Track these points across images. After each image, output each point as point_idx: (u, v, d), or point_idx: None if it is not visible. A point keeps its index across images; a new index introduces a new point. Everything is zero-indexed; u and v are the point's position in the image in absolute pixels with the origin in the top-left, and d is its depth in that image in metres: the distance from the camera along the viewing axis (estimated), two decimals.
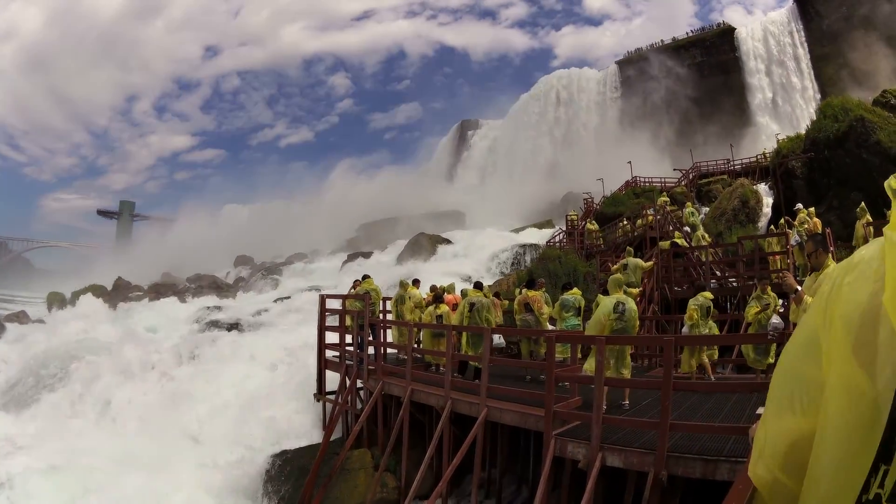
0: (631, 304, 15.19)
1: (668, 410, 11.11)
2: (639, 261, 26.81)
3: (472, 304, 19.87)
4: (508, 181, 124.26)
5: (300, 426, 23.82)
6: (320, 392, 24.00)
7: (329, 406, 23.30)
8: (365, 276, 26.28)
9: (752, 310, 17.27)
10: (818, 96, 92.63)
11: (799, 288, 8.81)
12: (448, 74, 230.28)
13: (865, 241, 22.46)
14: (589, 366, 14.53)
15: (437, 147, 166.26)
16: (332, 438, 21.03)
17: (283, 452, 21.53)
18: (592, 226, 48.90)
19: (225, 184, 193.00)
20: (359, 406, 21.80)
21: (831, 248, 15.09)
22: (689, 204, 47.78)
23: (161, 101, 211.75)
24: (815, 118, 48.02)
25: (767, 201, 46.18)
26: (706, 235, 35.21)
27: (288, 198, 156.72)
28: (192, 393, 27.20)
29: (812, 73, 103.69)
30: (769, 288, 17.51)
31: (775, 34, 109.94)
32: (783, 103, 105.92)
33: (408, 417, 18.58)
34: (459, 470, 16.87)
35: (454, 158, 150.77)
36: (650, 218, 39.69)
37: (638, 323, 15.62)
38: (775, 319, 17.38)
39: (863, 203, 23.80)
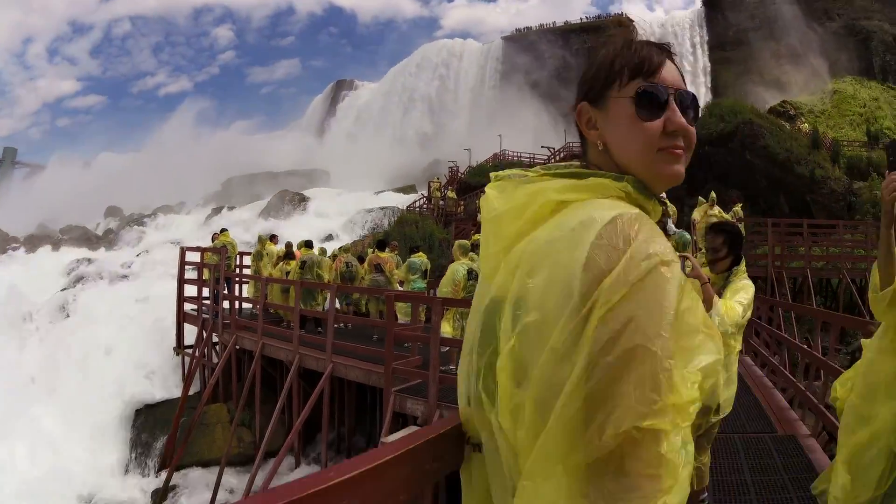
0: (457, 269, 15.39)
1: None
2: None
3: (303, 262, 19.99)
4: (377, 144, 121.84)
5: (164, 379, 23.37)
6: (179, 346, 23.77)
7: (188, 360, 22.86)
8: (223, 230, 26.11)
9: None
10: (709, 98, 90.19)
11: (708, 279, 8.98)
12: (333, 34, 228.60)
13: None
14: (444, 328, 14.75)
15: (309, 105, 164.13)
16: (192, 393, 20.79)
17: (148, 406, 21.39)
18: (452, 194, 49.15)
19: (103, 131, 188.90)
20: (215, 360, 21.47)
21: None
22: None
23: (54, 44, 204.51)
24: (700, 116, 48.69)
25: None
26: None
27: (161, 148, 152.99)
28: (59, 346, 26.56)
29: (709, 75, 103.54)
30: None
31: (675, 33, 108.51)
32: None
33: (260, 372, 18.50)
34: (312, 427, 17.00)
35: (326, 117, 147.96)
36: None
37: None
38: None
39: (713, 194, 24.67)
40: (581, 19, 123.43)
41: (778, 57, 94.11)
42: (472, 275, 14.71)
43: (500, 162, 63.63)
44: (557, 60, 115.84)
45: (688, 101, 1.72)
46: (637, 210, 1.50)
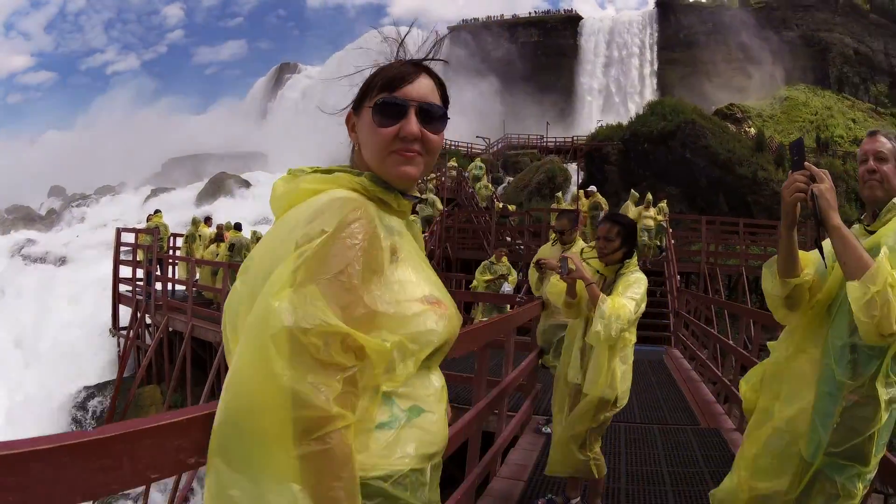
0: None
1: None
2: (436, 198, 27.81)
3: (232, 245, 20.22)
4: (316, 128, 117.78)
5: (101, 360, 23.51)
6: (115, 327, 23.65)
7: (123, 341, 22.86)
8: (156, 211, 26.34)
9: (482, 276, 17.70)
10: (656, 97, 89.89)
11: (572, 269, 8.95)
12: (281, 17, 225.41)
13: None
14: None
15: (251, 86, 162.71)
16: (127, 375, 20.67)
17: (86, 388, 21.34)
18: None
19: (51, 108, 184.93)
20: (149, 342, 21.43)
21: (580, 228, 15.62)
22: (478, 159, 46.58)
23: (11, 18, 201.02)
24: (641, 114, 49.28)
25: (576, 181, 44.83)
26: (489, 185, 36.00)
27: (106, 127, 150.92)
28: (1, 327, 26.68)
29: (655, 75, 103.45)
30: (504, 258, 17.92)
31: (624, 31, 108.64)
32: (615, 97, 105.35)
33: (190, 353, 18.54)
34: None
35: (267, 100, 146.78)
36: (438, 179, 37.31)
37: None
38: (507, 287, 17.75)
39: (649, 195, 25.11)
40: (530, 13, 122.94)
41: (729, 61, 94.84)
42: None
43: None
44: (502, 53, 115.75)
45: (433, 114, 1.99)
46: (350, 195, 1.79)
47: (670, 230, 25.82)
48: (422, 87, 2.01)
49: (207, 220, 25.61)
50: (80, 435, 1.44)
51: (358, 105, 2.06)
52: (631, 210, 24.89)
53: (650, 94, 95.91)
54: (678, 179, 39.76)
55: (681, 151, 40.63)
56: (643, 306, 5.62)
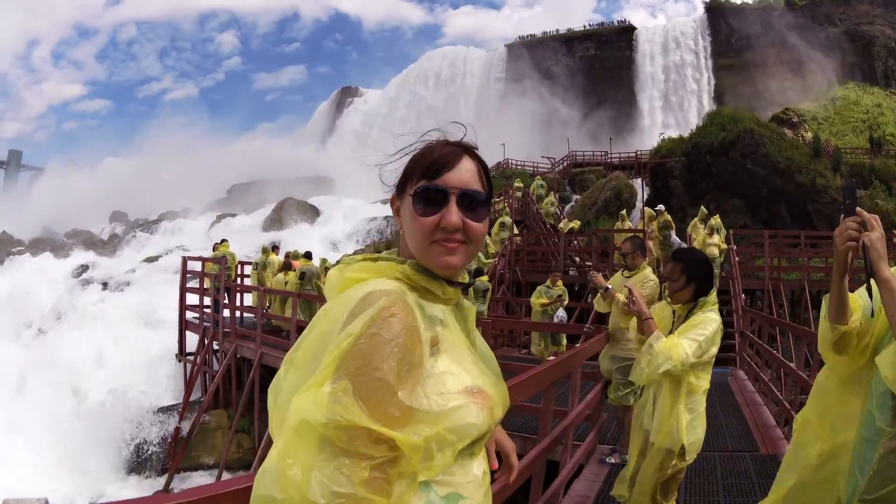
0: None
1: None
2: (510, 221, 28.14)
3: (302, 273, 20.40)
4: (382, 150, 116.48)
5: (166, 385, 23.90)
6: (181, 353, 24.18)
7: (189, 366, 23.35)
8: (222, 241, 26.57)
9: (538, 300, 17.90)
10: (713, 105, 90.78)
11: (609, 287, 8.79)
12: (338, 41, 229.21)
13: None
14: None
15: (314, 112, 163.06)
16: (193, 399, 21.20)
17: (150, 410, 21.57)
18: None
19: (109, 136, 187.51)
20: (216, 367, 21.90)
21: (649, 255, 15.46)
22: (538, 177, 47.20)
23: (60, 47, 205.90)
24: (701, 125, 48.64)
25: (641, 197, 43.67)
26: (555, 202, 36.03)
27: (167, 154, 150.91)
28: (64, 352, 26.85)
29: (711, 82, 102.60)
30: (560, 281, 18.02)
31: (677, 39, 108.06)
32: (674, 108, 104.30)
33: (258, 379, 18.84)
34: None
35: (330, 125, 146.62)
36: (507, 202, 36.14)
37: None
38: (560, 312, 17.96)
39: (712, 220, 24.69)
40: (584, 27, 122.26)
41: (780, 63, 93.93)
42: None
43: (504, 171, 62.64)
44: (561, 68, 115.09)
45: (475, 201, 1.97)
46: (390, 287, 1.79)
47: (734, 247, 25.44)
48: (463, 173, 1.99)
49: (275, 248, 26.04)
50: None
51: (401, 189, 2.06)
52: (698, 230, 24.54)
53: (707, 101, 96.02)
54: (741, 191, 39.37)
55: (741, 162, 40.00)
56: (713, 350, 5.34)
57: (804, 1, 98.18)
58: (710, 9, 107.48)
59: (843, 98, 72.31)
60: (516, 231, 28.98)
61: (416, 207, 1.93)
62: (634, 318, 5.69)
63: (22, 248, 67.87)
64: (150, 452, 20.19)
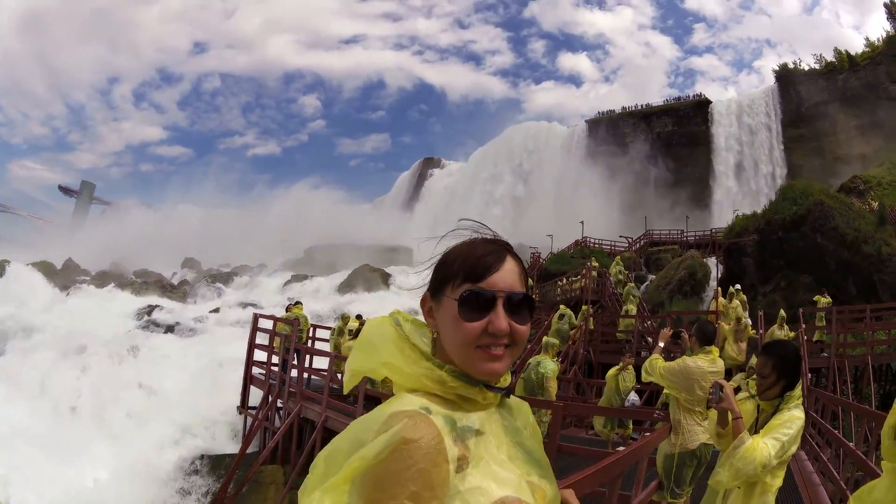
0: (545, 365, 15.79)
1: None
2: (570, 312, 27.95)
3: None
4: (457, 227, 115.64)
5: (221, 434, 24.48)
6: (243, 406, 24.67)
7: (249, 420, 23.80)
8: (296, 302, 27.11)
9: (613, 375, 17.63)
10: (785, 176, 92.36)
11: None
12: (423, 111, 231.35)
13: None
14: None
15: (396, 181, 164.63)
16: (249, 451, 21.57)
17: (203, 456, 22.19)
18: (530, 281, 46.87)
19: (186, 183, 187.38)
20: (277, 424, 22.25)
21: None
22: (617, 259, 47.52)
23: (141, 88, 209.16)
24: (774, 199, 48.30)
25: (715, 275, 45.18)
26: (631, 283, 35.82)
27: (244, 208, 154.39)
28: (124, 387, 27.61)
29: (782, 153, 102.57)
30: (632, 366, 17.69)
31: (750, 112, 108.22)
32: (748, 181, 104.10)
33: (320, 440, 18.99)
34: None
35: (412, 194, 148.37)
36: (583, 282, 38.32)
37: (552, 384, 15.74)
38: (633, 396, 18.34)
39: (782, 311, 24.35)
40: (665, 101, 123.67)
41: (849, 129, 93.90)
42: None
43: (582, 249, 62.85)
44: (640, 143, 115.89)
45: (516, 301, 1.95)
46: (415, 410, 1.79)
47: (803, 325, 25.41)
48: (507, 276, 1.97)
49: (358, 317, 26.74)
50: None
51: (437, 290, 2.03)
52: (776, 335, 23.42)
53: (780, 173, 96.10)
54: (810, 266, 38.90)
55: (812, 236, 39.46)
56: (793, 449, 5.19)
57: (865, 60, 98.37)
58: (779, 77, 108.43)
59: None
60: (577, 320, 28.81)
61: (462, 312, 1.91)
62: (712, 413, 5.55)
63: (87, 278, 69.47)
64: (201, 497, 20.74)
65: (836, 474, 12.18)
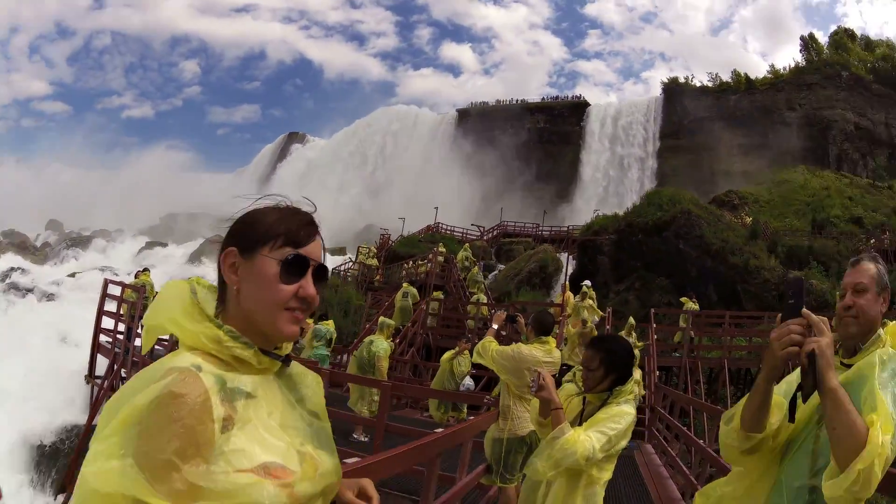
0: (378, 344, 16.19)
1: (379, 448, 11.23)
2: (414, 290, 28.73)
3: None
4: (317, 200, 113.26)
5: (75, 405, 23.33)
6: (90, 375, 23.89)
7: (96, 390, 23.03)
8: (144, 269, 26.99)
9: (448, 358, 17.76)
10: (654, 183, 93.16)
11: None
12: (297, 86, 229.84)
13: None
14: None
15: (258, 152, 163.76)
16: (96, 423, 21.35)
17: (57, 431, 21.54)
18: (373, 261, 47.20)
19: (61, 141, 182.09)
20: None
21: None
22: (466, 245, 47.69)
23: (37, 41, 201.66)
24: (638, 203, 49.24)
25: (566, 270, 43.26)
26: (477, 274, 36.60)
27: (110, 170, 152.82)
28: None
29: (655, 161, 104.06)
30: (468, 351, 17.40)
31: (629, 119, 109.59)
32: (615, 185, 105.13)
33: None
34: None
35: (272, 168, 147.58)
36: (429, 266, 38.51)
37: (384, 363, 16.07)
38: (468, 381, 18.32)
39: (631, 320, 24.73)
40: (542, 98, 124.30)
41: (732, 147, 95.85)
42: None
43: (433, 235, 62.84)
44: (509, 136, 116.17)
45: (321, 272, 2.03)
46: (184, 366, 1.77)
47: (654, 325, 26.12)
48: (317, 248, 2.05)
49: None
50: None
51: (249, 248, 2.00)
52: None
53: (649, 182, 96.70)
54: (669, 270, 39.95)
55: (674, 242, 40.65)
56: (622, 443, 4.90)
57: (765, 85, 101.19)
58: (667, 89, 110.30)
59: (789, 181, 73.84)
60: (420, 295, 29.63)
61: (283, 275, 1.94)
62: (537, 401, 5.20)
63: None
64: (50, 471, 20.33)
65: (684, 468, 12.44)
